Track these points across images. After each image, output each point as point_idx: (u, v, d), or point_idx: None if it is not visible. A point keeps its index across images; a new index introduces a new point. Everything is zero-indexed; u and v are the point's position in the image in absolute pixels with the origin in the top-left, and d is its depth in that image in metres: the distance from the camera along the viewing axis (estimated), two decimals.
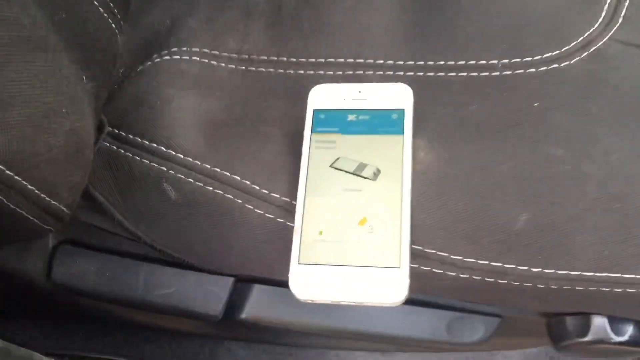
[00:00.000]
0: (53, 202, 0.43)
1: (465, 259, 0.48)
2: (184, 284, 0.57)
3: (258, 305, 0.58)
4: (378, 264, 0.45)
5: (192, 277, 0.57)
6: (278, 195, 0.51)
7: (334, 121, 0.51)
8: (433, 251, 0.49)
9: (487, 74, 0.56)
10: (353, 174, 0.49)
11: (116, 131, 0.54)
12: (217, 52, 0.61)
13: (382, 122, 0.50)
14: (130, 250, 0.58)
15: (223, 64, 0.60)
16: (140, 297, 0.57)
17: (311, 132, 0.51)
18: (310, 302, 0.46)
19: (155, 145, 0.52)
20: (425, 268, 0.50)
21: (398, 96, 0.51)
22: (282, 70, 0.60)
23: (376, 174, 0.48)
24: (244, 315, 0.58)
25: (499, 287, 0.50)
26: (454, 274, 0.49)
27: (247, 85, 0.59)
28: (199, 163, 0.52)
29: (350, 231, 0.47)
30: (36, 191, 0.41)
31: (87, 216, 0.56)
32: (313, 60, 0.60)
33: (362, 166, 0.49)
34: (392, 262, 0.45)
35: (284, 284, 0.47)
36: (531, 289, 0.50)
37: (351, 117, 0.51)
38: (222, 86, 0.58)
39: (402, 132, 0.50)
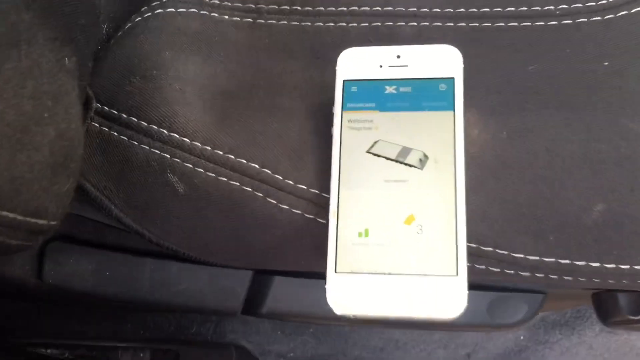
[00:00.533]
0: (40, 221, 0.35)
1: (528, 257, 0.41)
2: (196, 280, 0.50)
3: (279, 298, 0.52)
4: (430, 272, 0.38)
5: (204, 272, 0.50)
6: (305, 187, 0.43)
7: (369, 95, 0.42)
8: (490, 249, 0.42)
9: (542, 23, 0.47)
10: (395, 161, 0.41)
11: (106, 109, 0.45)
12: (217, 1, 0.51)
13: (427, 95, 0.42)
14: (131, 244, 0.50)
15: (226, 16, 0.50)
16: (146, 297, 0.50)
17: (342, 110, 0.42)
18: (352, 317, 0.39)
19: (155, 127, 0.44)
20: (479, 267, 0.43)
21: (445, 61, 0.42)
22: (296, 23, 0.51)
23: (423, 160, 0.41)
24: (264, 310, 0.52)
25: (563, 283, 0.43)
26: (513, 272, 0.43)
27: (256, 43, 0.50)
28: (209, 149, 0.43)
29: (395, 232, 0.39)
30: (19, 217, 0.33)
31: (79, 208, 0.48)
32: (333, 9, 0.51)
33: (405, 151, 0.41)
34: (446, 269, 0.38)
35: (307, 275, 0.40)
36: (599, 283, 0.43)
37: (390, 90, 0.42)
38: (227, 45, 0.49)
39: (453, 107, 0.41)
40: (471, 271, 0.43)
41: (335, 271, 0.39)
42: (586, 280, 0.42)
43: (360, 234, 0.40)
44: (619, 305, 0.56)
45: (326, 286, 0.39)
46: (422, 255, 0.39)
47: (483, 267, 0.43)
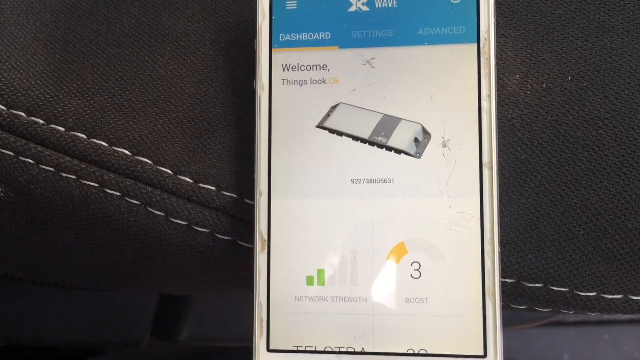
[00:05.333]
0: None
1: (605, 296, 0.24)
2: (78, 309, 0.33)
3: (203, 320, 0.35)
4: (437, 349, 0.21)
5: (90, 299, 0.33)
6: (214, 188, 0.24)
7: (320, 17, 0.23)
8: (539, 285, 0.24)
9: None
10: (370, 142, 0.22)
11: None
12: None
13: (428, 13, 0.22)
14: None
15: None
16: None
17: (270, 47, 0.23)
18: None
19: None
20: (517, 307, 0.25)
21: None
22: None
23: (421, 140, 0.22)
24: (183, 336, 0.35)
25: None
26: (574, 311, 0.26)
27: None
28: (42, 122, 0.24)
29: (373, 275, 0.22)
30: None
31: None
32: None
33: (388, 123, 0.22)
34: (466, 346, 0.21)
35: None
36: None
37: (358, 6, 0.23)
38: None
39: (476, 37, 0.22)
40: (503, 308, 0.26)
41: (268, 349, 0.22)
42: None
43: (310, 280, 0.22)
44: None
45: None
46: (423, 318, 0.22)
47: (524, 307, 0.25)
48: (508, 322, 0.42)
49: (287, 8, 0.23)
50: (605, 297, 0.24)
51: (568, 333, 0.82)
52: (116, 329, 0.34)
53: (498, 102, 0.23)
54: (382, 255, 0.22)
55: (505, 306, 0.26)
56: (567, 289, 0.24)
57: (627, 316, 0.83)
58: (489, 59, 0.22)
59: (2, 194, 0.25)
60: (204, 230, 0.25)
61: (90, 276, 0.29)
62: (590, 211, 0.23)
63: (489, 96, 0.22)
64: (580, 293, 0.24)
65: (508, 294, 0.24)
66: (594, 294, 0.24)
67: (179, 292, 0.33)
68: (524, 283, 0.24)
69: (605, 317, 0.83)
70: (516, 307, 0.25)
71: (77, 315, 0.34)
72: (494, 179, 0.22)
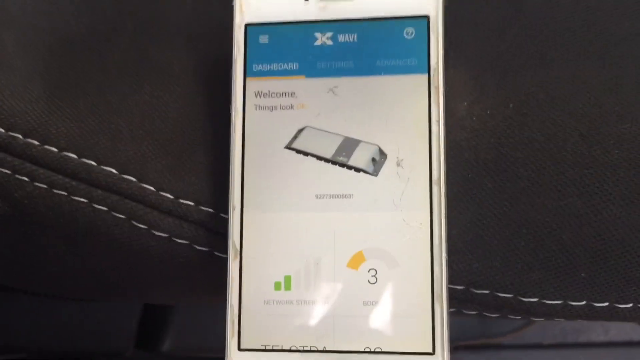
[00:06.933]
0: None
1: (545, 302, 0.27)
2: (65, 318, 0.35)
3: (184, 331, 0.37)
4: (390, 347, 0.24)
5: (74, 308, 0.35)
6: (192, 203, 0.27)
7: (290, 50, 0.26)
8: (486, 292, 0.27)
9: None
10: (333, 162, 0.25)
11: None
12: None
13: (385, 47, 0.25)
14: None
15: None
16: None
17: (244, 76, 0.26)
18: None
19: None
20: (469, 312, 0.28)
21: None
22: None
23: (378, 160, 0.25)
24: (165, 346, 0.37)
25: (587, 319, 0.29)
26: (520, 317, 0.28)
27: None
28: (37, 144, 0.27)
29: (335, 281, 0.24)
30: None
31: None
32: None
33: (349, 145, 0.25)
34: (416, 344, 0.24)
35: None
36: None
37: (322, 40, 0.26)
38: None
39: (427, 67, 0.25)
40: (455, 314, 0.29)
41: (240, 348, 0.24)
42: (630, 320, 0.28)
43: (278, 285, 0.25)
44: None
45: None
46: (379, 319, 0.24)
47: (474, 312, 0.28)
48: (482, 334, 0.44)
49: (260, 42, 0.26)
50: (546, 303, 0.26)
51: (545, 355, 0.84)
52: (101, 339, 0.36)
53: (447, 127, 0.26)
54: (342, 263, 0.24)
55: (458, 312, 0.28)
56: (512, 295, 0.26)
57: (602, 338, 0.85)
58: (438, 88, 0.25)
59: (0, 209, 0.28)
60: (184, 242, 0.27)
61: (78, 286, 0.31)
62: (529, 224, 0.26)
63: (438, 121, 0.25)
64: (524, 299, 0.26)
65: (459, 300, 0.27)
66: (536, 299, 0.26)
67: (161, 301, 0.35)
68: (472, 290, 0.26)
69: (581, 339, 0.85)
70: (467, 312, 0.28)
71: (63, 326, 0.35)
72: (442, 194, 0.24)
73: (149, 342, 0.37)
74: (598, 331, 0.81)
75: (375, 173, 0.25)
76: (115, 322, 0.36)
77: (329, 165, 0.25)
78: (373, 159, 0.25)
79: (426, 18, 0.25)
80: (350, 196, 0.25)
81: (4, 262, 0.30)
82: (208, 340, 0.37)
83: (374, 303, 0.24)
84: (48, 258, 0.29)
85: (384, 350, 0.24)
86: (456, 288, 0.26)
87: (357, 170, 0.25)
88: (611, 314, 0.27)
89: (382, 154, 0.25)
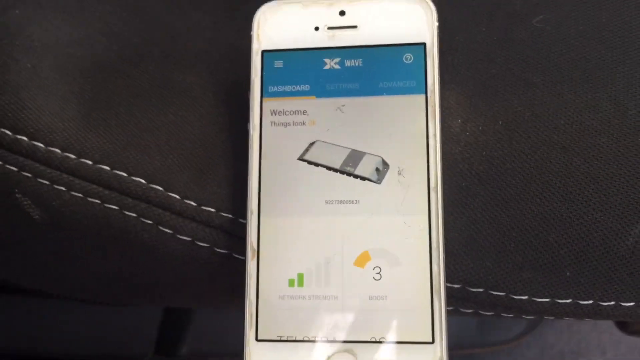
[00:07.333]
0: None
1: (535, 299, 0.29)
2: (90, 322, 0.37)
3: (202, 335, 0.39)
4: (393, 337, 0.26)
5: (100, 312, 0.37)
6: (213, 210, 0.30)
7: (301, 73, 0.29)
8: (480, 290, 0.29)
9: None
10: (341, 171, 0.28)
11: None
12: None
13: (386, 70, 0.28)
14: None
15: None
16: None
17: (261, 97, 0.29)
18: None
19: None
20: (466, 310, 0.31)
21: (412, 20, 0.29)
22: None
23: (381, 170, 0.28)
24: (184, 350, 0.39)
25: (574, 317, 0.31)
26: (512, 315, 0.31)
27: None
28: (74, 157, 0.30)
29: (343, 279, 0.27)
30: None
31: None
32: None
33: (355, 157, 0.28)
34: (417, 333, 0.26)
35: None
36: (625, 318, 0.31)
37: (331, 64, 0.29)
38: None
39: (424, 88, 0.28)
40: (454, 312, 0.31)
41: (257, 339, 0.27)
42: (614, 318, 0.31)
43: (291, 282, 0.27)
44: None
45: (245, 358, 0.27)
46: (383, 312, 0.27)
47: (471, 310, 0.30)
48: (483, 343, 0.46)
49: (275, 66, 0.29)
50: (535, 301, 0.29)
51: None
52: (121, 344, 0.38)
53: (443, 141, 0.29)
54: (350, 261, 0.27)
55: (455, 311, 0.31)
56: (504, 294, 0.29)
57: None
58: (434, 106, 0.28)
59: (37, 217, 0.30)
60: (205, 245, 0.30)
61: (107, 289, 0.34)
62: (518, 228, 0.29)
63: (435, 135, 0.28)
64: (515, 297, 0.29)
65: (456, 298, 0.29)
66: (526, 297, 0.29)
67: (183, 303, 0.38)
68: (468, 288, 0.29)
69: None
70: (464, 310, 0.31)
71: (84, 331, 0.38)
72: (439, 201, 0.27)
73: (168, 347, 0.40)
74: (596, 353, 0.83)
75: (379, 181, 0.28)
76: (135, 328, 0.38)
77: (338, 174, 0.28)
78: (377, 169, 0.28)
79: (423, 45, 0.28)
80: (357, 202, 0.27)
81: (42, 267, 0.32)
82: (225, 345, 0.40)
83: (379, 297, 0.27)
84: (81, 263, 0.32)
85: (387, 340, 0.26)
86: (453, 286, 0.29)
87: (363, 179, 0.28)
88: (595, 312, 0.29)
89: (385, 165, 0.28)
